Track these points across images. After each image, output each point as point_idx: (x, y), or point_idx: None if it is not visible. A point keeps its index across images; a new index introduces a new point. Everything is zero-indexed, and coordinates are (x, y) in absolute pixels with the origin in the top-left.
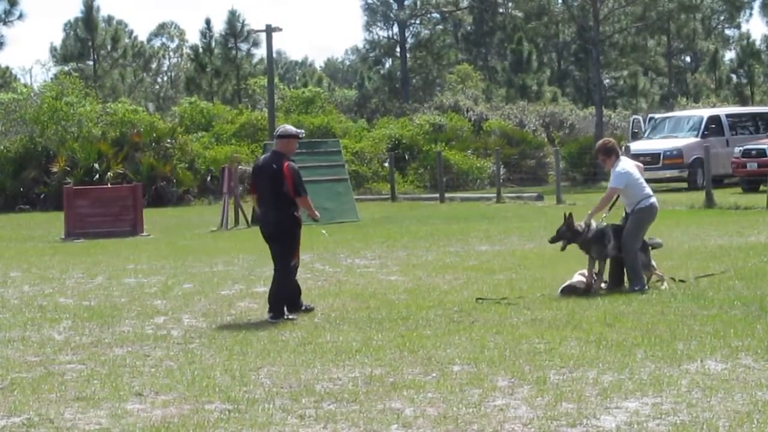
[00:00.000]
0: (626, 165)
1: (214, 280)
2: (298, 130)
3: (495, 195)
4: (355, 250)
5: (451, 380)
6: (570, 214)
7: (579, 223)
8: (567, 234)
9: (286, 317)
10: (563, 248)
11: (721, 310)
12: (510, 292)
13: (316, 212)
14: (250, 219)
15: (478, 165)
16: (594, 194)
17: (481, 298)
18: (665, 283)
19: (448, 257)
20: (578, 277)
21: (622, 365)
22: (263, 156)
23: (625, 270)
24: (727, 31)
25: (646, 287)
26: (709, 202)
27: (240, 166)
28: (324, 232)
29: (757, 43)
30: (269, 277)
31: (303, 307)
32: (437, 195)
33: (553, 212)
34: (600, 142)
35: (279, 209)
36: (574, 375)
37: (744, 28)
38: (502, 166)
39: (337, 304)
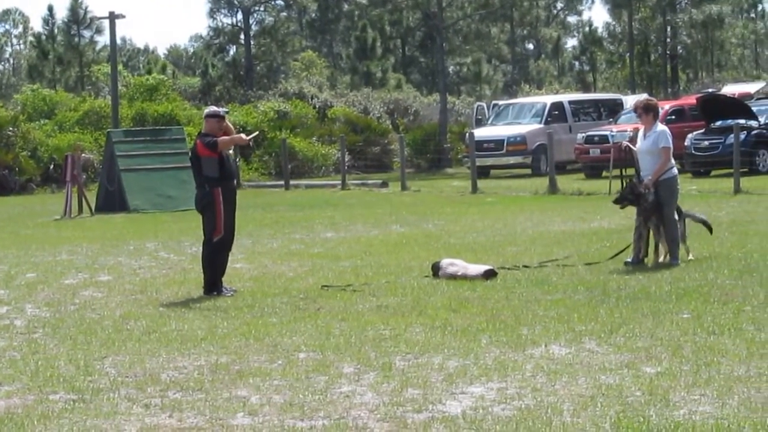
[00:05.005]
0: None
1: (58, 269)
2: (222, 109)
3: (340, 182)
4: (199, 238)
5: (297, 367)
6: (632, 178)
7: (644, 185)
8: (630, 197)
9: (219, 293)
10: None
11: (565, 295)
12: (355, 279)
13: (243, 136)
14: (93, 207)
15: (323, 152)
16: (438, 180)
17: (326, 285)
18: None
19: (293, 244)
20: (447, 261)
21: (467, 351)
22: None
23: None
24: (570, 19)
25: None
26: (553, 188)
27: (83, 154)
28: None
29: (599, 30)
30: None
31: (223, 290)
32: (282, 182)
33: (397, 199)
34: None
35: (198, 186)
36: (420, 361)
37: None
38: (347, 153)
39: (182, 293)
